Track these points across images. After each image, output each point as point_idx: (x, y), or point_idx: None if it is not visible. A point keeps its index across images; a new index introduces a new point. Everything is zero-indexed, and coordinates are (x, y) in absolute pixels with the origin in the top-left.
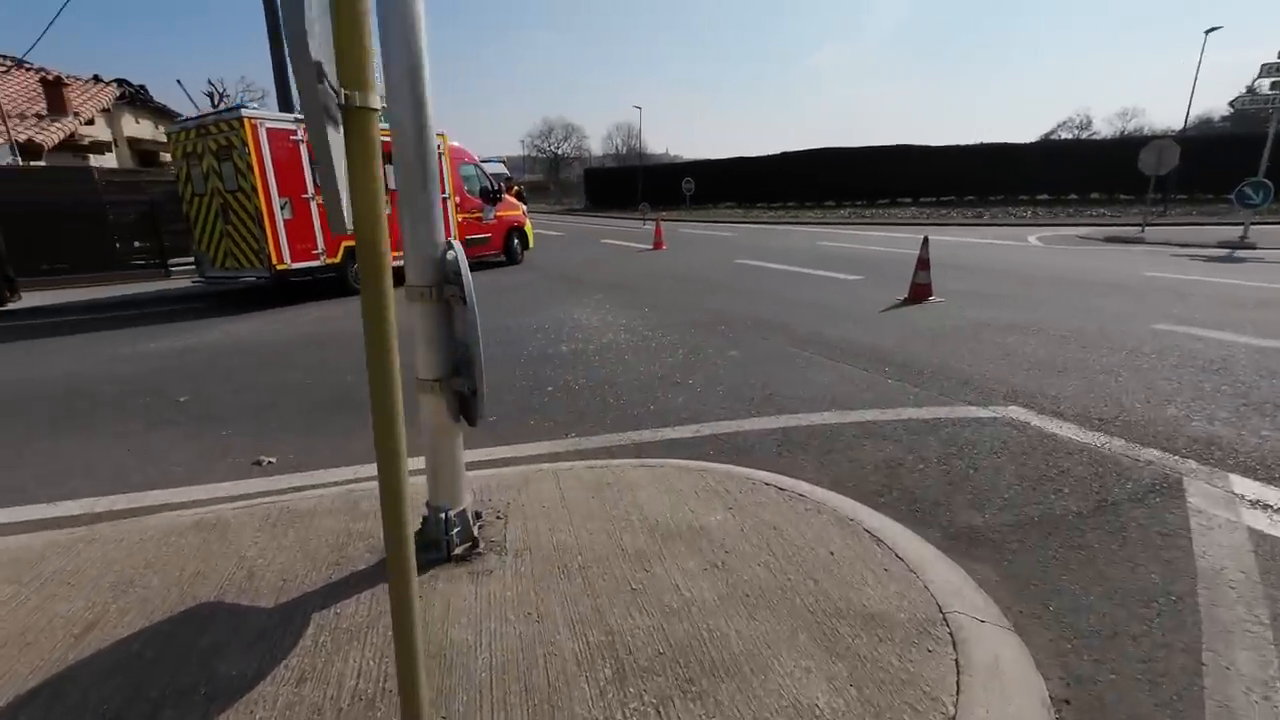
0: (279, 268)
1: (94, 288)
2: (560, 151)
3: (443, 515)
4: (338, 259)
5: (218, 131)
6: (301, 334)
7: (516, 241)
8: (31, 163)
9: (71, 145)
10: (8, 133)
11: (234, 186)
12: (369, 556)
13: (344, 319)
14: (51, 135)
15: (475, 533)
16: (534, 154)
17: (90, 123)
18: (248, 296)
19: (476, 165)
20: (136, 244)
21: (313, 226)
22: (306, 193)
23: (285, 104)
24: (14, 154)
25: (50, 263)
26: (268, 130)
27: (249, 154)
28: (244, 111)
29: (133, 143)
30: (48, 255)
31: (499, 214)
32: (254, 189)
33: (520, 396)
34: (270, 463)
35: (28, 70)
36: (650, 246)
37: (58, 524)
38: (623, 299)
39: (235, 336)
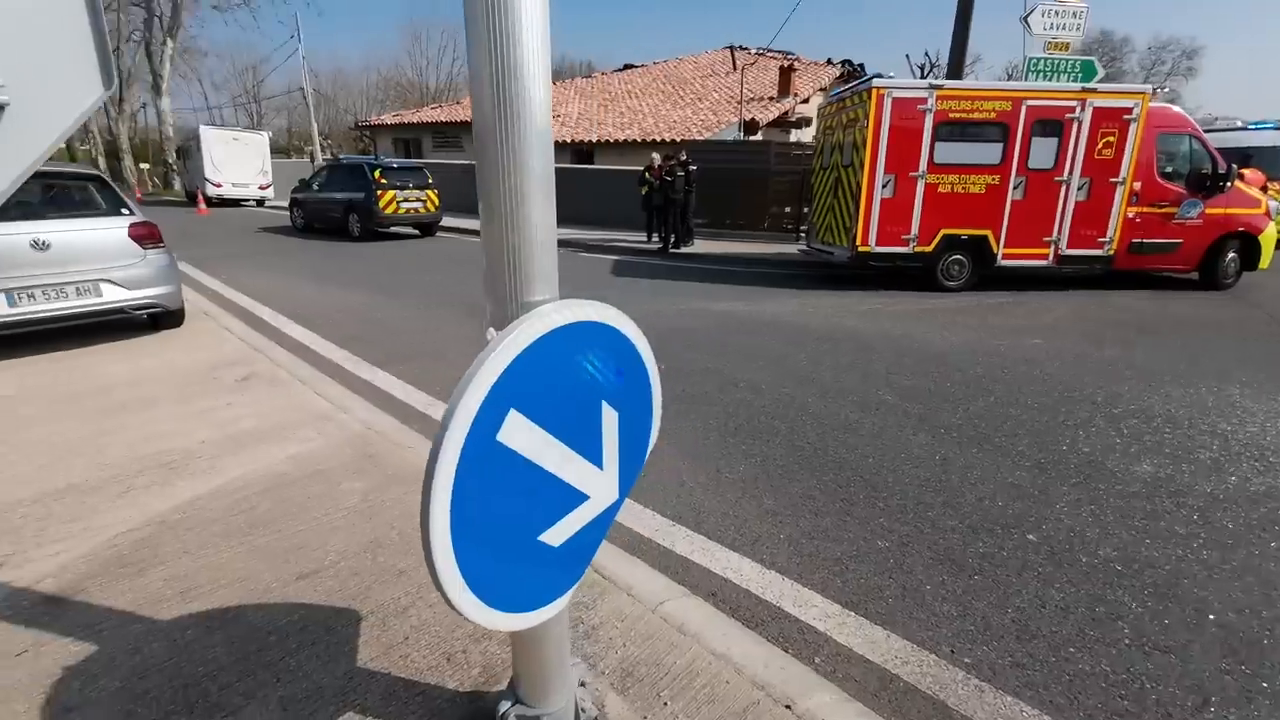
0: (861, 249)
1: (739, 243)
2: None
3: (504, 708)
4: (929, 248)
5: (851, 105)
6: (836, 327)
7: (1231, 256)
8: (748, 137)
9: (782, 122)
10: (740, 113)
11: (848, 161)
12: (455, 706)
13: (888, 318)
14: (769, 113)
15: None
16: None
17: (806, 101)
18: (835, 273)
19: (1198, 137)
20: (783, 209)
21: (911, 208)
22: (916, 169)
23: (956, 73)
24: (740, 130)
25: (728, 218)
26: (893, 100)
27: (868, 127)
28: (875, 82)
29: None
30: (726, 212)
31: (1209, 210)
32: (862, 164)
33: (965, 530)
34: None
35: (771, 58)
36: None
37: None
38: None
39: (774, 315)
